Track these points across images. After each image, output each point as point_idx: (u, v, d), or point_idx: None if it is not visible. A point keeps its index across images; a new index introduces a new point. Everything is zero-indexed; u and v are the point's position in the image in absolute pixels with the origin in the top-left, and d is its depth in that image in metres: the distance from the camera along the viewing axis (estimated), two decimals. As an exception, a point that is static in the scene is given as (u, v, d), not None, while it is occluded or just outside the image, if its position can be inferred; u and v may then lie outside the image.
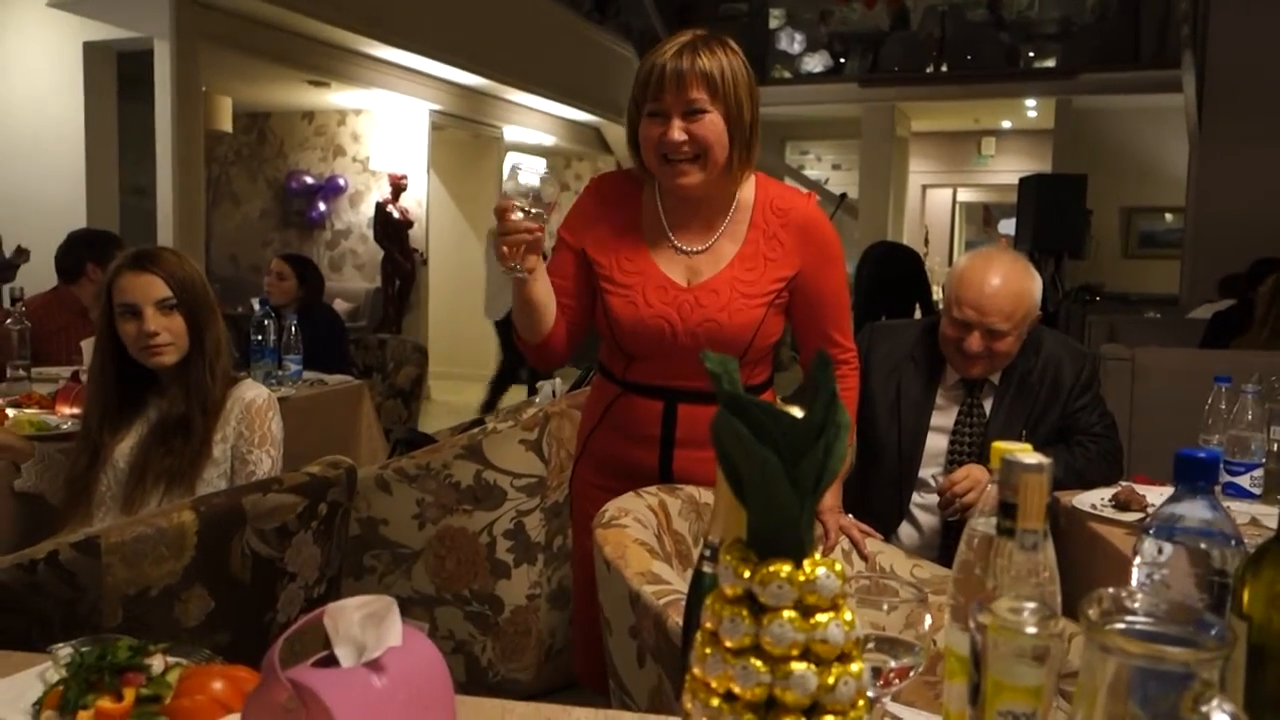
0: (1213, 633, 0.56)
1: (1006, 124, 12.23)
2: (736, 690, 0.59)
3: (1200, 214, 7.75)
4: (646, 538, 1.39)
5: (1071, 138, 9.81)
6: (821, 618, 0.59)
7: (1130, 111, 10.12)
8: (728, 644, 0.60)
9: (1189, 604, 0.73)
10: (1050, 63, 10.32)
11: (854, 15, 10.95)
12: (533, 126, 8.99)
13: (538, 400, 3.11)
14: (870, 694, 0.77)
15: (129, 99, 5.90)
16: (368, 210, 8.06)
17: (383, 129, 8.04)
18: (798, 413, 0.60)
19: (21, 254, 5.00)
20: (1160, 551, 0.84)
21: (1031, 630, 0.66)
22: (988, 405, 2.13)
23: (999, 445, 0.81)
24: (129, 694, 0.98)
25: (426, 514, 2.55)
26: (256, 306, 3.48)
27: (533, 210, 1.50)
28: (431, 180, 8.09)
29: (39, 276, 4.12)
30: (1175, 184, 9.01)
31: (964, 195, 14.63)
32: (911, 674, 0.84)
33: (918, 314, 7.10)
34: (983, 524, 0.83)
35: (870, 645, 0.83)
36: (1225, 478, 1.89)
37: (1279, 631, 0.74)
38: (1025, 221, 7.67)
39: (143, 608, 1.55)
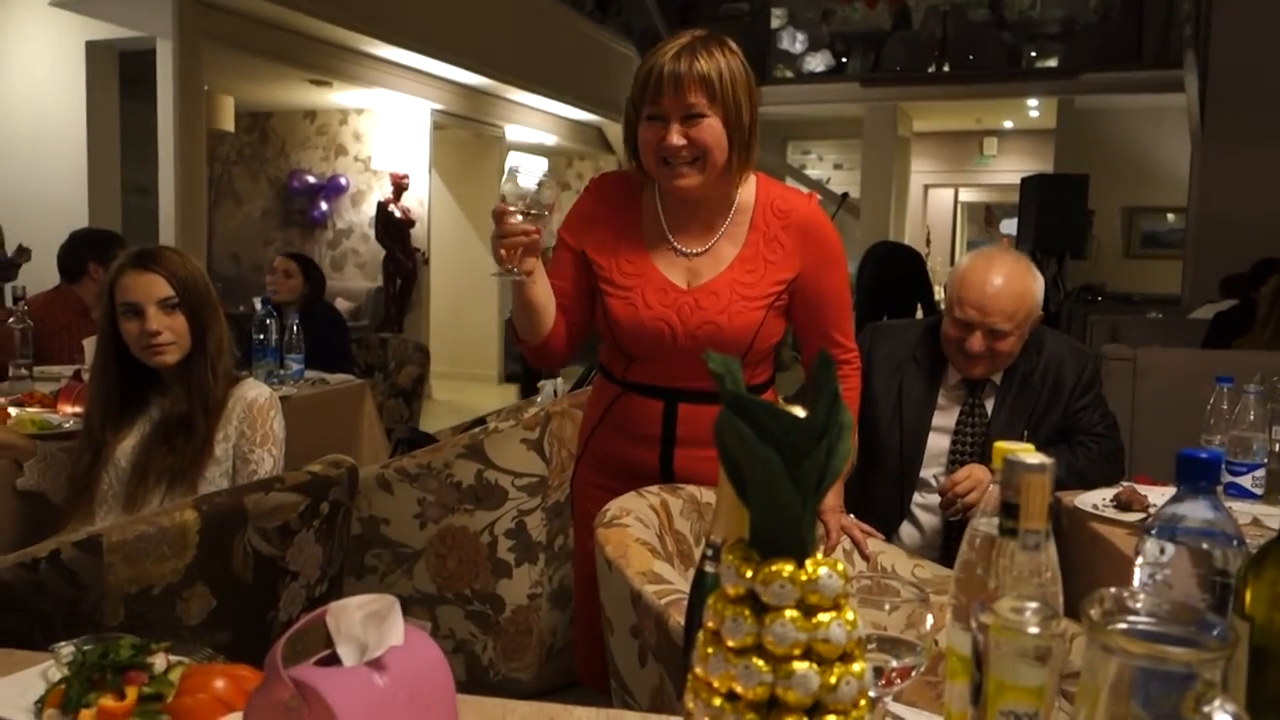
0: (1215, 633, 0.56)
1: (1008, 124, 12.22)
2: (739, 690, 0.59)
3: (1202, 214, 7.74)
4: (648, 537, 1.40)
5: (1073, 138, 9.81)
6: (823, 617, 0.59)
7: (1132, 111, 10.11)
8: (730, 643, 0.60)
9: (1191, 604, 0.73)
10: (1052, 62, 10.31)
11: (856, 15, 10.94)
12: (534, 126, 8.99)
13: (539, 399, 3.12)
14: (872, 694, 0.78)
15: (131, 98, 5.91)
16: (369, 209, 8.06)
17: (384, 128, 8.04)
18: (800, 413, 0.60)
19: (23, 253, 5.00)
20: (1162, 552, 0.84)
21: (1034, 630, 0.66)
22: (989, 405, 2.13)
23: (1001, 445, 0.81)
24: (131, 692, 0.98)
25: (428, 513, 2.56)
26: (258, 306, 3.48)
27: (531, 212, 1.50)
28: (433, 179, 8.09)
29: (41, 276, 4.13)
30: (1177, 184, 9.00)
31: (966, 195, 14.61)
32: (913, 674, 0.84)
33: (919, 314, 7.10)
34: (985, 524, 0.83)
35: (872, 645, 0.83)
36: (1227, 478, 1.89)
37: (1281, 632, 0.74)
38: (1027, 221, 7.67)
39: (145, 606, 1.55)
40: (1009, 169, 11.90)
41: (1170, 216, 10.58)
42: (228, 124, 7.22)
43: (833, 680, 0.59)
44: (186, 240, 5.29)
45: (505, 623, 2.58)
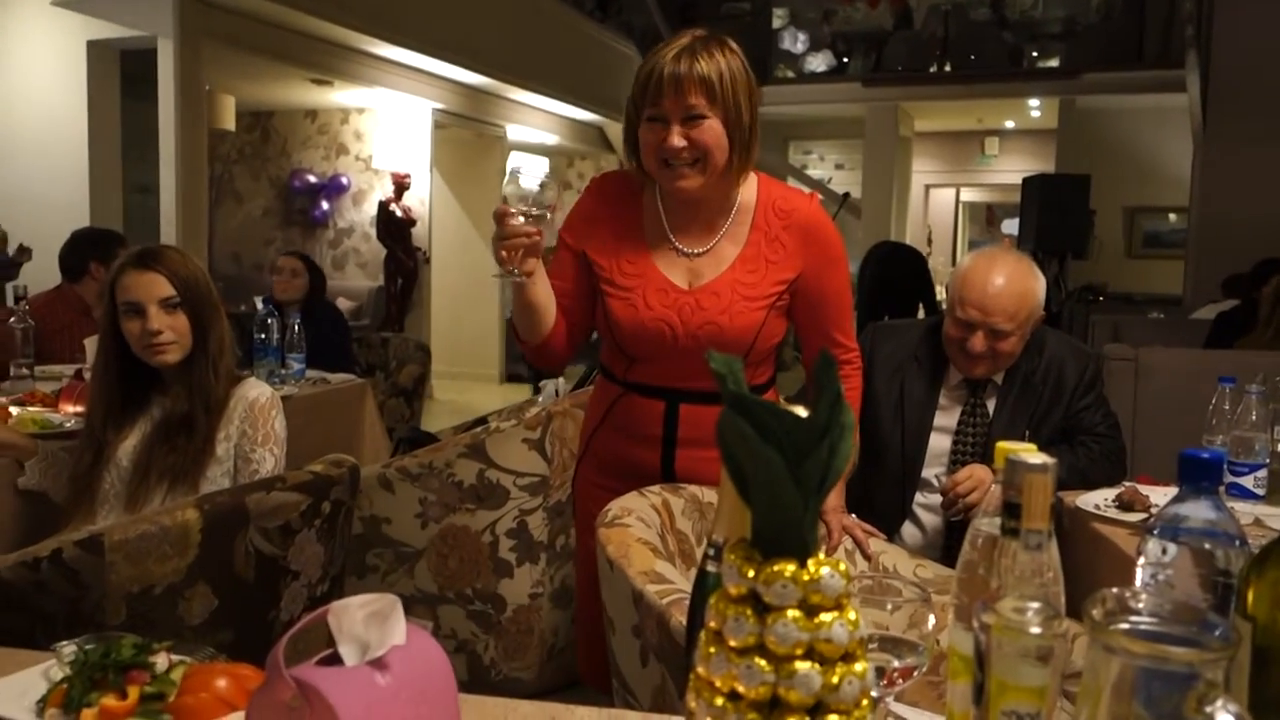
0: (1217, 633, 0.56)
1: (1010, 124, 12.22)
2: (740, 689, 0.59)
3: (1204, 214, 7.74)
4: (650, 537, 1.40)
5: (1075, 137, 9.80)
6: (825, 617, 0.59)
7: (1134, 111, 10.11)
8: (732, 643, 0.60)
9: (1193, 605, 0.73)
10: (1054, 62, 10.31)
11: (857, 15, 10.94)
12: (535, 125, 8.99)
13: (541, 399, 3.12)
14: (874, 693, 0.78)
15: (132, 97, 5.91)
16: (370, 209, 8.07)
17: (385, 128, 8.04)
18: (802, 412, 0.60)
19: (24, 252, 5.01)
20: (1164, 552, 0.84)
21: (1036, 630, 0.66)
22: (991, 405, 2.13)
23: (1003, 445, 0.81)
24: (133, 692, 0.98)
25: (429, 513, 2.56)
26: (259, 305, 3.49)
27: (533, 213, 1.50)
28: (434, 179, 8.09)
29: (43, 275, 4.13)
30: (1179, 184, 8.99)
31: (967, 195, 14.61)
32: (915, 674, 0.84)
33: (921, 314, 7.10)
34: (987, 524, 0.83)
35: (874, 645, 0.83)
36: (1229, 478, 1.89)
37: (1283, 632, 0.74)
38: (1028, 221, 7.67)
39: (146, 606, 1.55)
40: (1010, 169, 11.90)
41: (1172, 216, 10.58)
42: (229, 123, 7.22)
43: (835, 680, 0.59)
44: (188, 239, 5.30)
45: (507, 622, 2.58)
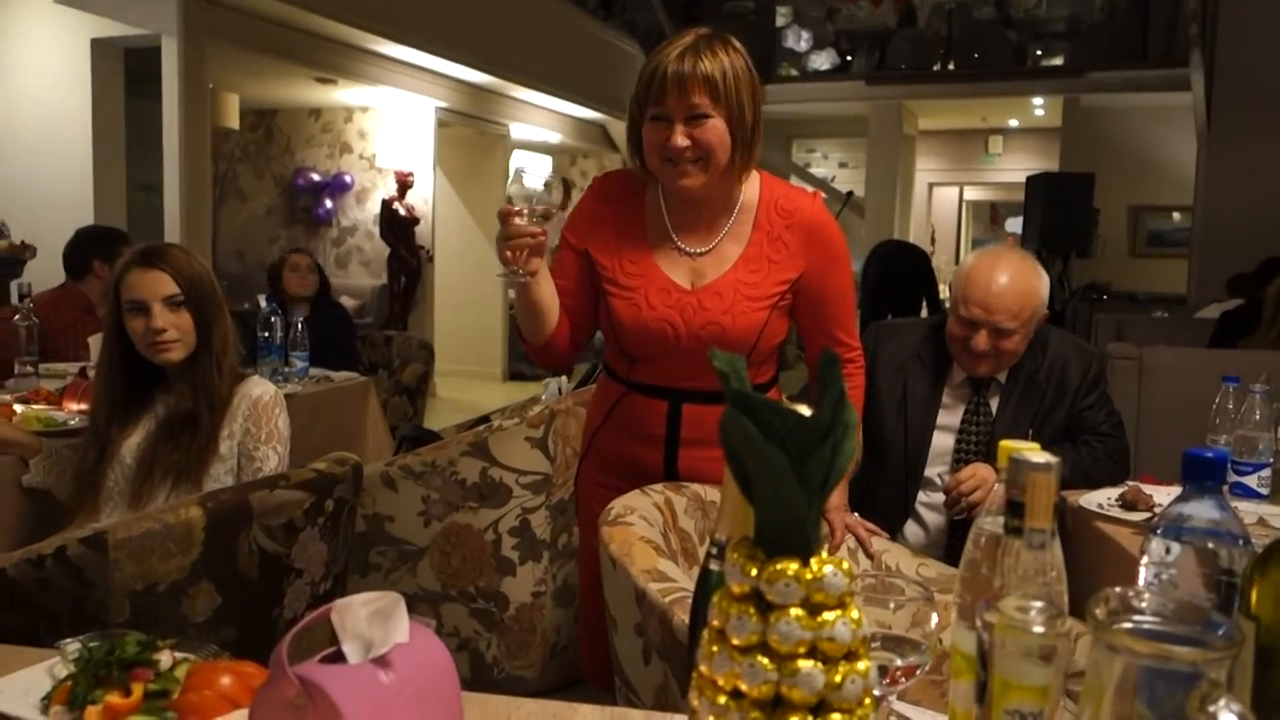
0: (1220, 632, 0.56)
1: (1014, 122, 12.20)
2: (743, 688, 0.59)
3: (1208, 213, 7.73)
4: (652, 535, 1.40)
5: (1079, 136, 9.78)
6: (828, 616, 0.59)
7: (1138, 110, 10.09)
8: (735, 641, 0.60)
9: (1196, 604, 0.73)
10: (1058, 61, 10.29)
11: (861, 13, 10.92)
12: (538, 124, 8.99)
13: (543, 398, 3.12)
14: (877, 692, 0.78)
15: (136, 96, 5.91)
16: (374, 207, 8.07)
17: (389, 126, 8.04)
18: (805, 411, 0.60)
19: (26, 249, 5.01)
20: (1168, 551, 0.84)
21: (1039, 629, 0.66)
22: (994, 404, 2.13)
23: (1006, 444, 0.81)
24: (137, 689, 0.98)
25: (432, 511, 2.56)
26: (263, 303, 3.49)
27: (538, 211, 1.50)
28: (437, 177, 8.09)
29: (47, 273, 4.14)
30: (1183, 183, 8.97)
31: (971, 194, 14.59)
32: (918, 672, 0.84)
33: (924, 312, 7.10)
34: (990, 523, 0.83)
35: (877, 643, 0.83)
36: (1233, 477, 1.88)
37: (1287, 632, 0.74)
38: (1032, 220, 7.66)
39: (150, 603, 1.56)
40: (1014, 167, 11.88)
41: (1176, 215, 10.56)
42: (233, 121, 7.22)
43: (838, 679, 0.59)
44: (191, 238, 5.30)
45: (509, 620, 2.58)
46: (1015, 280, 2.02)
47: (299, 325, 3.38)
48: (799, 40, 10.83)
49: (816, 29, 10.87)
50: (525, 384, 8.22)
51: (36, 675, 1.05)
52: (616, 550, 1.33)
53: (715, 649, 0.61)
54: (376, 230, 8.00)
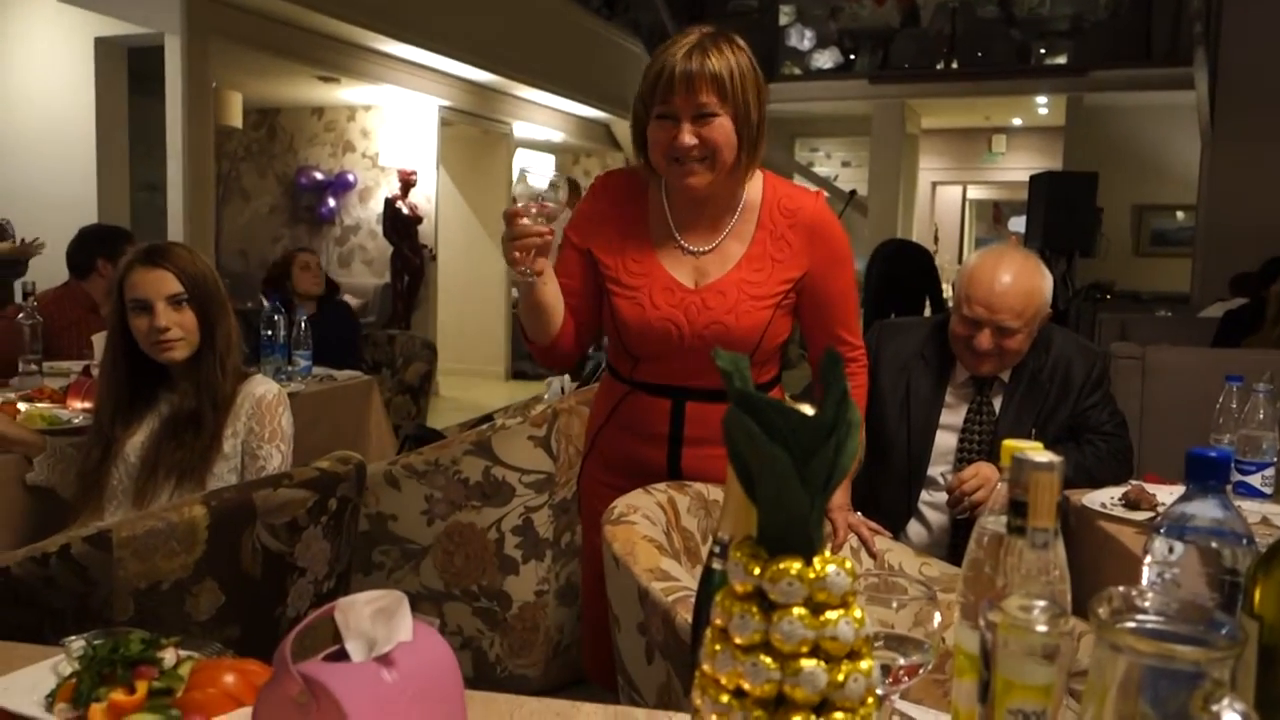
0: (1224, 632, 0.56)
1: (1017, 121, 12.19)
2: (746, 687, 0.59)
3: (1212, 212, 7.72)
4: (655, 534, 1.40)
5: (1082, 135, 9.77)
6: (831, 615, 0.59)
7: (1142, 109, 10.08)
8: (737, 640, 0.60)
9: (1200, 603, 0.73)
10: (1061, 60, 10.27)
11: (864, 12, 10.91)
12: (542, 123, 8.99)
13: (546, 397, 3.12)
14: (879, 691, 0.78)
15: (140, 94, 5.92)
16: (377, 206, 8.08)
17: (392, 125, 8.05)
18: (808, 410, 0.60)
19: (35, 244, 5.00)
20: (1171, 550, 0.84)
21: (1042, 628, 0.66)
22: (997, 403, 2.13)
23: (1009, 443, 0.81)
24: (141, 687, 0.98)
25: (435, 510, 2.56)
26: (265, 302, 3.49)
27: (547, 208, 1.50)
28: (441, 176, 8.10)
29: (50, 272, 4.14)
30: (1187, 182, 8.96)
31: (974, 192, 14.58)
32: (920, 672, 0.84)
33: (928, 311, 7.09)
34: (993, 522, 0.83)
35: (879, 643, 0.83)
36: (1236, 477, 1.88)
37: (1290, 631, 0.74)
38: (1036, 219, 7.65)
39: (154, 601, 1.56)
40: (1018, 166, 11.87)
41: (1180, 214, 10.54)
42: (236, 120, 7.23)
43: (840, 678, 0.59)
44: (195, 236, 5.31)
45: (512, 619, 2.58)
46: (1018, 279, 2.02)
47: (302, 324, 3.38)
48: (802, 39, 10.82)
49: (820, 27, 10.86)
50: (528, 383, 8.22)
51: (41, 673, 1.05)
52: (619, 549, 1.33)
53: (718, 648, 0.61)
54: (379, 229, 8.01)
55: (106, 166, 5.73)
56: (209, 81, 5.55)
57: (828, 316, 1.73)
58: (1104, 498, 1.93)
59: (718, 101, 1.55)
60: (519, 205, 1.49)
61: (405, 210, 7.82)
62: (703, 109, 1.55)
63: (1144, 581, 0.85)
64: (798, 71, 10.82)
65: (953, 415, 2.14)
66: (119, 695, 0.97)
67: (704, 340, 1.64)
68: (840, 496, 1.81)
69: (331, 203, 8.32)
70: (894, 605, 0.84)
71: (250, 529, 1.66)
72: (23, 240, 5.01)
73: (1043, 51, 10.45)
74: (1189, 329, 5.63)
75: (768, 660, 0.59)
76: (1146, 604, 0.59)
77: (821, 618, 0.59)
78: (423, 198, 7.95)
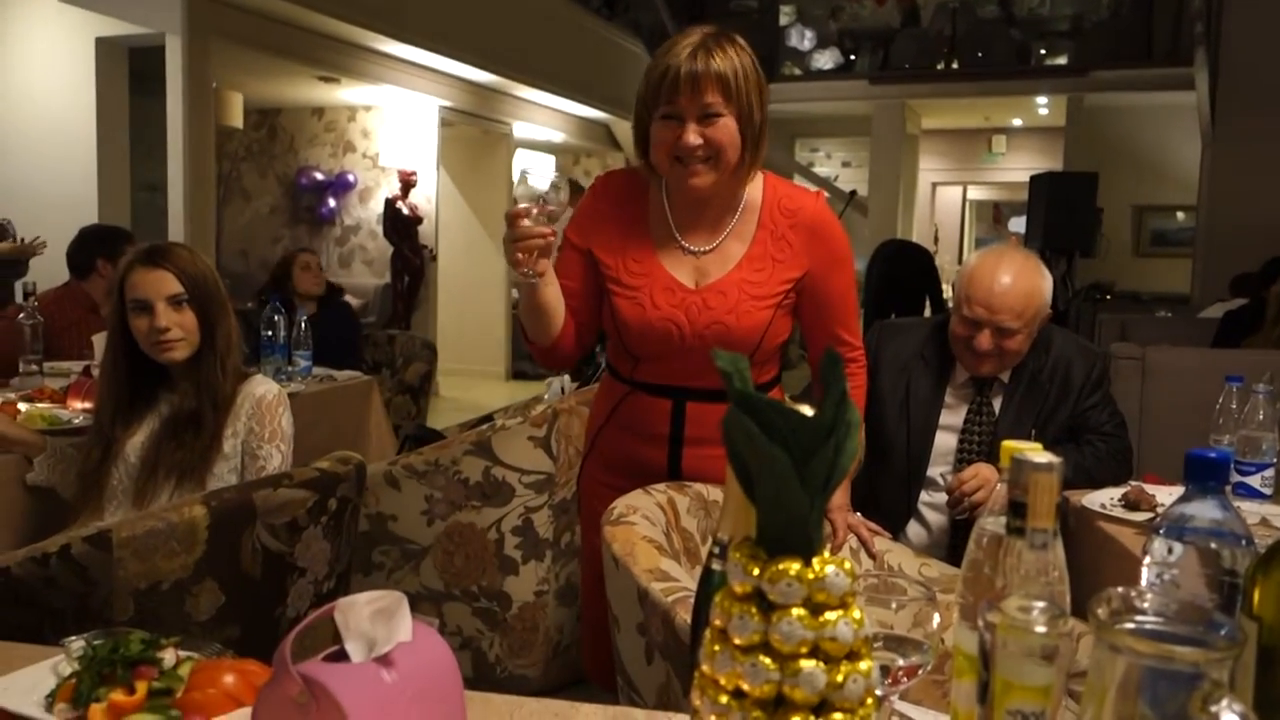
0: (1223, 632, 0.56)
1: (1017, 121, 12.18)
2: (745, 687, 0.59)
3: (1212, 213, 7.72)
4: (655, 535, 1.40)
5: (1083, 135, 9.77)
6: (830, 615, 0.59)
7: (1142, 109, 10.08)
8: (736, 641, 0.60)
9: (1199, 604, 0.73)
10: (1062, 60, 10.28)
11: (864, 12, 10.92)
12: (542, 123, 8.99)
13: (546, 397, 3.12)
14: (879, 692, 0.78)
15: (140, 94, 5.92)
16: (377, 206, 8.08)
17: (392, 125, 8.05)
18: (808, 411, 0.60)
19: (37, 242, 4.98)
20: (1170, 551, 0.84)
21: (1041, 629, 0.66)
22: (997, 404, 2.13)
23: (1009, 444, 0.81)
24: (141, 687, 0.98)
25: (435, 510, 2.56)
26: (266, 306, 3.49)
27: (549, 209, 1.50)
28: (441, 176, 8.10)
29: (51, 272, 4.14)
30: (1187, 182, 8.96)
31: (974, 193, 14.58)
32: (920, 672, 0.84)
33: (928, 311, 7.09)
34: (992, 523, 0.83)
35: (879, 643, 0.83)
36: (1236, 478, 1.88)
37: (1289, 632, 0.74)
38: (1036, 219, 7.65)
39: (154, 601, 1.56)
40: (1018, 167, 11.87)
41: (1180, 215, 10.55)
42: (236, 120, 7.23)
43: (839, 678, 0.59)
44: (195, 237, 5.31)
45: (512, 619, 2.58)
46: (1018, 280, 2.02)
47: (303, 324, 3.38)
48: (802, 39, 10.82)
49: (820, 28, 10.86)
50: (528, 383, 8.22)
51: (41, 673, 1.05)
52: (619, 550, 1.33)
53: (717, 648, 0.61)
54: (380, 229, 8.01)
55: (107, 166, 5.73)
56: (209, 81, 5.55)
57: (827, 317, 1.73)
58: (1103, 498, 1.93)
59: (722, 101, 1.55)
60: (521, 206, 1.49)
61: (405, 210, 7.82)
62: (708, 109, 1.56)
63: (1143, 582, 0.85)
64: (798, 72, 10.83)
65: (952, 416, 2.14)
66: (119, 695, 0.97)
67: (705, 340, 1.64)
68: (840, 497, 1.81)
69: (332, 203, 8.32)
70: (893, 606, 0.84)
71: (250, 529, 1.66)
72: (23, 240, 5.01)
73: (1043, 52, 10.45)
74: (1189, 329, 5.63)
75: (767, 661, 0.59)
76: (1145, 605, 0.59)
77: (821, 618, 0.59)
78: (423, 198, 7.95)
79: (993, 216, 15.10)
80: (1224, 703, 0.53)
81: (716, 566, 0.76)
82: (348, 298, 5.46)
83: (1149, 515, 1.80)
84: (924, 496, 2.15)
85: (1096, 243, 8.19)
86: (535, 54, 7.75)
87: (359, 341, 4.35)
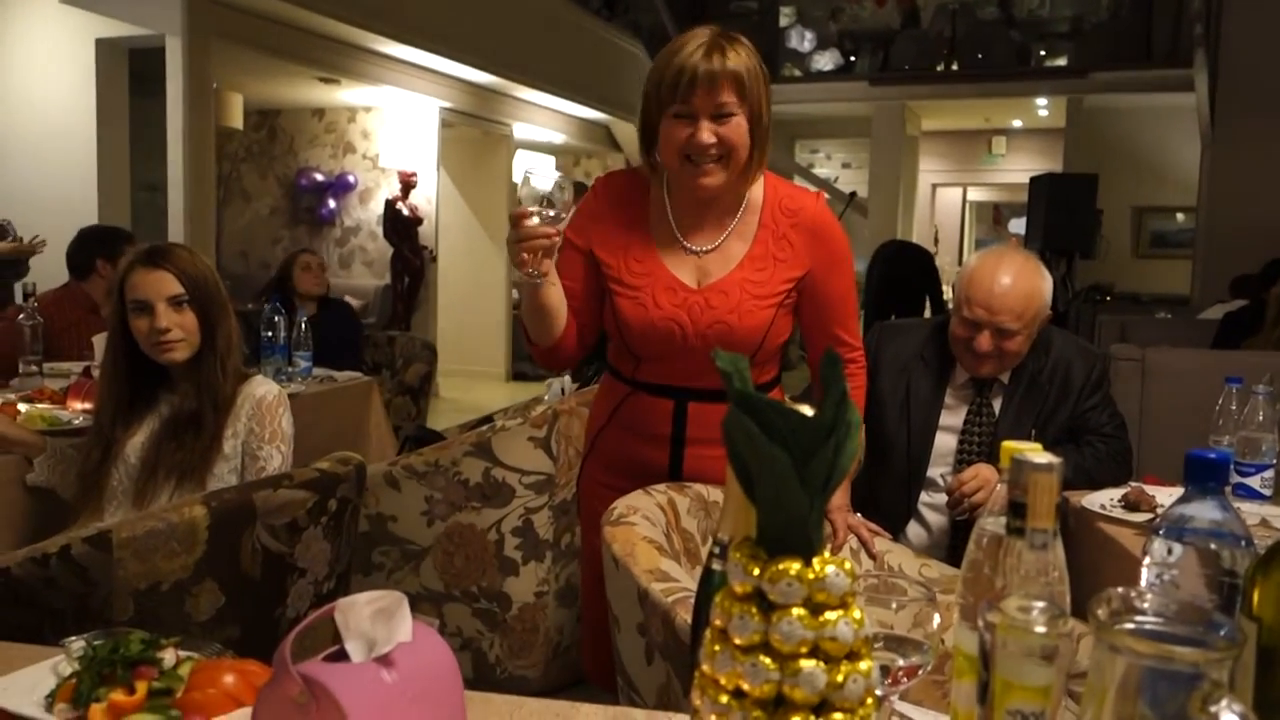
0: (1222, 633, 0.56)
1: (1017, 123, 12.18)
2: (745, 687, 0.59)
3: (1211, 214, 7.72)
4: (655, 535, 1.40)
5: (1082, 137, 9.77)
6: (830, 615, 0.59)
7: (1142, 111, 10.08)
8: (737, 641, 0.60)
9: (1198, 604, 0.73)
10: (1061, 61, 10.28)
11: (864, 13, 10.92)
12: (542, 124, 9.00)
13: (546, 398, 3.12)
14: (879, 692, 0.78)
15: (140, 95, 5.92)
16: (377, 207, 8.08)
17: (392, 126, 8.05)
18: (808, 411, 0.60)
19: (37, 241, 4.99)
20: (1170, 552, 0.84)
21: (1040, 629, 0.66)
22: (997, 405, 2.13)
23: (1009, 444, 0.81)
24: (141, 687, 0.98)
25: (435, 511, 2.56)
26: (266, 307, 3.49)
27: (549, 214, 1.50)
28: (441, 177, 8.10)
29: (51, 273, 4.15)
30: (1187, 184, 8.97)
31: (974, 194, 14.57)
32: (920, 673, 0.84)
33: (928, 312, 7.09)
34: (992, 523, 0.83)
35: (879, 644, 0.83)
36: (1235, 479, 1.88)
37: (1289, 633, 0.74)
38: (1036, 221, 7.65)
39: (154, 602, 1.56)
40: (1018, 168, 11.86)
41: (1180, 216, 10.54)
42: (236, 121, 7.24)
43: (840, 678, 0.59)
44: (195, 237, 5.31)
45: (512, 620, 2.58)
46: (1018, 281, 2.02)
47: (303, 325, 3.38)
48: (802, 40, 10.82)
49: (820, 29, 10.86)
50: (528, 384, 8.22)
51: (41, 673, 1.05)
52: (619, 550, 1.33)
53: (717, 648, 0.61)
54: (380, 230, 8.01)
55: (107, 167, 5.73)
56: (209, 82, 5.56)
57: (827, 317, 1.73)
58: (1103, 499, 1.93)
59: (736, 101, 1.56)
60: (525, 207, 1.49)
61: (405, 211, 7.82)
62: (722, 108, 1.56)
63: (1143, 583, 0.85)
64: (798, 73, 10.83)
65: (952, 417, 2.14)
66: (119, 695, 0.97)
67: (707, 340, 1.64)
68: (840, 497, 1.81)
69: (332, 204, 8.33)
70: (893, 606, 0.84)
71: (250, 530, 1.66)
72: (22, 240, 5.01)
73: (1043, 53, 10.45)
74: (1189, 331, 5.63)
75: (767, 661, 0.59)
76: (1145, 605, 0.59)
77: (821, 618, 0.59)
78: (423, 199, 7.95)
79: (993, 218, 15.10)
80: (1224, 703, 0.53)
81: (717, 567, 0.76)
82: (346, 298, 5.47)
83: (1149, 516, 1.80)
84: (924, 497, 2.15)
85: (1096, 244, 8.19)
86: (535, 55, 7.75)
87: (359, 342, 4.36)
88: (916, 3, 10.66)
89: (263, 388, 1.93)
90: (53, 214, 5.27)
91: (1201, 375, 2.85)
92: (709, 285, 1.66)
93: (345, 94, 7.56)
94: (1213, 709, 0.53)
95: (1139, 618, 0.58)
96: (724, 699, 0.60)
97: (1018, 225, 12.16)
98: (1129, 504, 1.87)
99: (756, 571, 0.60)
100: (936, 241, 13.19)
